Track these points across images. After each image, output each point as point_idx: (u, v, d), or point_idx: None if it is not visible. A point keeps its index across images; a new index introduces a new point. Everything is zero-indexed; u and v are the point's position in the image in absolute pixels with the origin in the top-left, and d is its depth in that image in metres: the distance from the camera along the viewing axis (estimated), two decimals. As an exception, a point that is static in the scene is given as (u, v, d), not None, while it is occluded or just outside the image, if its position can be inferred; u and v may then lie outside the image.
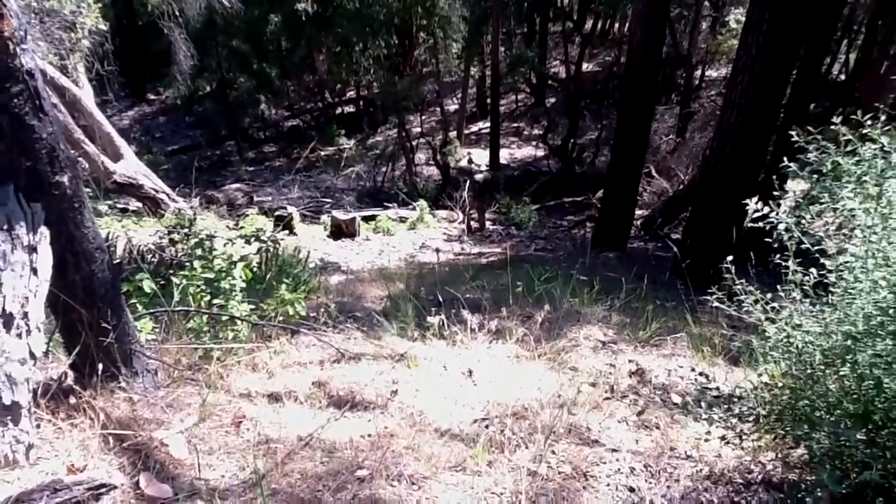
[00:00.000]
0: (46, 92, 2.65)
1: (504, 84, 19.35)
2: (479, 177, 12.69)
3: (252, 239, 5.77)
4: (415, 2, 18.68)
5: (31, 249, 2.51)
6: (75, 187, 2.73)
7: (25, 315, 2.45)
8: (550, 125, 18.28)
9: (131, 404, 2.93)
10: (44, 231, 2.58)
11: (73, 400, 2.75)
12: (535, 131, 19.74)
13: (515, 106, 22.36)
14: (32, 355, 2.45)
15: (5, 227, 2.48)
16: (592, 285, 5.29)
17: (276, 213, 11.39)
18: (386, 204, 13.59)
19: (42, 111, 2.57)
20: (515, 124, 21.20)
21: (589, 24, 22.47)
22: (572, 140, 17.33)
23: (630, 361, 3.95)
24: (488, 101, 19.70)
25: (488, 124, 18.54)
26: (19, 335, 2.41)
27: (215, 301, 4.01)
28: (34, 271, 2.50)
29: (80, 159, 10.44)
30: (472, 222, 12.58)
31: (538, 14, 21.83)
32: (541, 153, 18.07)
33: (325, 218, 12.04)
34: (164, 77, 23.24)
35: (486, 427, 3.05)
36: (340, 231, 10.98)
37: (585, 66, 20.40)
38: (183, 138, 22.91)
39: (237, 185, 16.31)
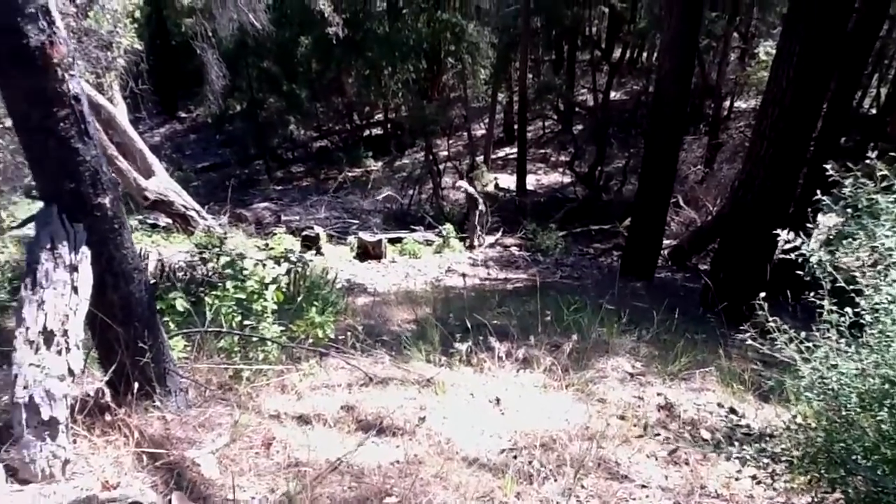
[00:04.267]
0: (91, 116, 2.73)
1: (531, 110, 19.41)
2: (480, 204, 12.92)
3: (281, 259, 5.85)
4: (443, 28, 18.86)
5: (73, 269, 2.58)
6: (116, 209, 2.80)
7: (65, 333, 2.50)
8: (577, 152, 18.28)
9: (164, 423, 2.97)
10: (85, 251, 2.64)
11: (108, 417, 2.80)
12: (562, 158, 19.74)
13: (542, 132, 22.41)
14: (71, 372, 2.51)
15: (48, 246, 2.55)
16: (620, 315, 5.26)
17: (304, 232, 11.48)
18: (412, 227, 13.63)
19: (87, 135, 2.65)
20: (542, 150, 21.22)
21: (617, 53, 22.47)
22: (599, 168, 17.31)
23: (658, 395, 3.92)
24: (515, 126, 19.74)
25: (515, 150, 18.57)
26: (59, 352, 2.47)
27: (246, 322, 4.06)
28: (75, 290, 2.57)
29: (114, 175, 10.61)
30: (476, 240, 12.77)
31: (566, 42, 21.93)
32: (568, 180, 18.05)
33: (351, 239, 12.11)
34: (195, 96, 23.67)
35: (514, 457, 3.04)
36: (367, 253, 11.04)
37: (613, 95, 20.40)
38: (213, 156, 23.21)
39: (265, 204, 16.48)
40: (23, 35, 2.41)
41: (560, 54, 23.09)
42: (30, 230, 2.72)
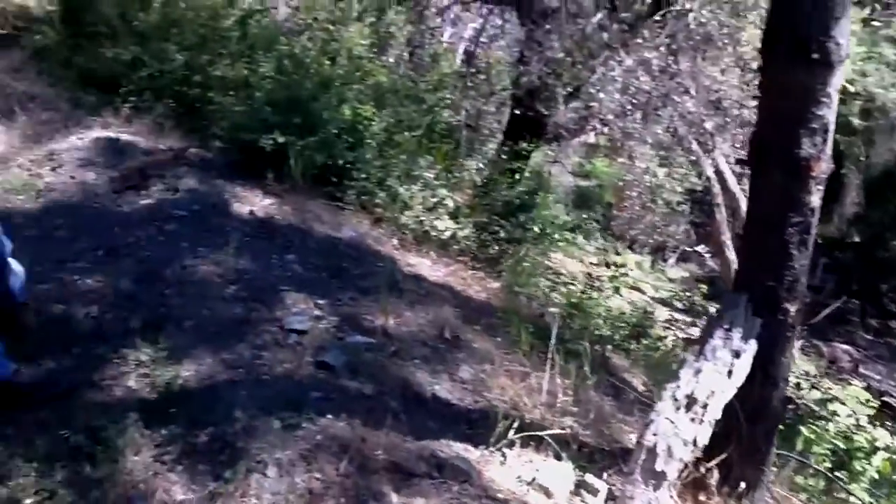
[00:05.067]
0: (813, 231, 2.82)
1: None
2: None
3: (877, 423, 5.22)
4: None
5: (736, 354, 2.72)
6: (796, 319, 2.87)
7: (705, 406, 2.64)
8: None
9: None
10: (753, 344, 2.75)
11: (702, 497, 2.86)
12: None
13: None
14: (695, 442, 2.63)
15: (726, 326, 2.75)
16: None
17: (884, 398, 10.08)
18: None
19: (805, 245, 2.79)
20: None
21: None
22: None
23: None
24: None
25: None
26: (692, 420, 2.61)
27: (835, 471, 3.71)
28: (729, 374, 2.70)
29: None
30: None
31: None
32: None
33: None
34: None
35: None
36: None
37: None
38: (812, 278, 22.12)
39: (846, 347, 15.02)
40: (797, 145, 2.64)
41: None
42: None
